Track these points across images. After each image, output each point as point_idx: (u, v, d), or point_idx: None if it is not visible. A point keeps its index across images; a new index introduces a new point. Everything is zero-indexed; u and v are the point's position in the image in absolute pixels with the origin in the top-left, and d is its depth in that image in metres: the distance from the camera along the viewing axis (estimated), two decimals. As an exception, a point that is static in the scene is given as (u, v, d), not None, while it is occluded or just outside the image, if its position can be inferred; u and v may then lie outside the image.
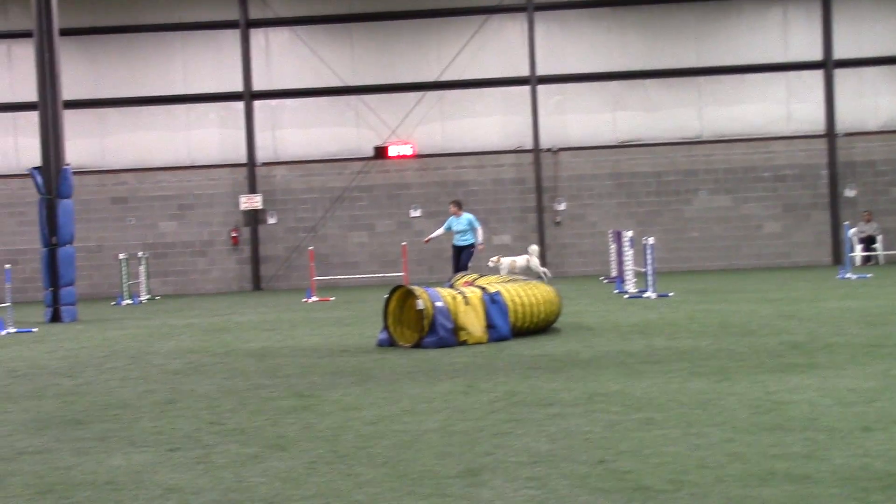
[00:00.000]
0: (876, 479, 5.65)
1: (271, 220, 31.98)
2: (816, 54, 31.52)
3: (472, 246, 22.87)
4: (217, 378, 11.03)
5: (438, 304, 13.18)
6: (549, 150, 31.61)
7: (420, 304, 13.18)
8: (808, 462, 6.07)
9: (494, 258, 26.04)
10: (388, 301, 13.66)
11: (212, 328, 17.69)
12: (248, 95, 31.92)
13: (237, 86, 31.92)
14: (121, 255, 27.79)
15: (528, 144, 31.57)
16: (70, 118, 25.82)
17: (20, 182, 30.93)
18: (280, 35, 32.12)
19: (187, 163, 32.04)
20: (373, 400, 9.08)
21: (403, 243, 28.25)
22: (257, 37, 32.10)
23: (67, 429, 8.29)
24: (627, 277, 22.05)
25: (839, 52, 31.42)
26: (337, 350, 13.29)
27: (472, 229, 22.88)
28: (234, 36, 31.96)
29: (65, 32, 25.54)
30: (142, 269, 28.41)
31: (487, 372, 10.60)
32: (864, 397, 8.12)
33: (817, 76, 31.56)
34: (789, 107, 31.52)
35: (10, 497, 6.07)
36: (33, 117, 22.92)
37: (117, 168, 32.06)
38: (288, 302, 24.53)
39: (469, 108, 31.80)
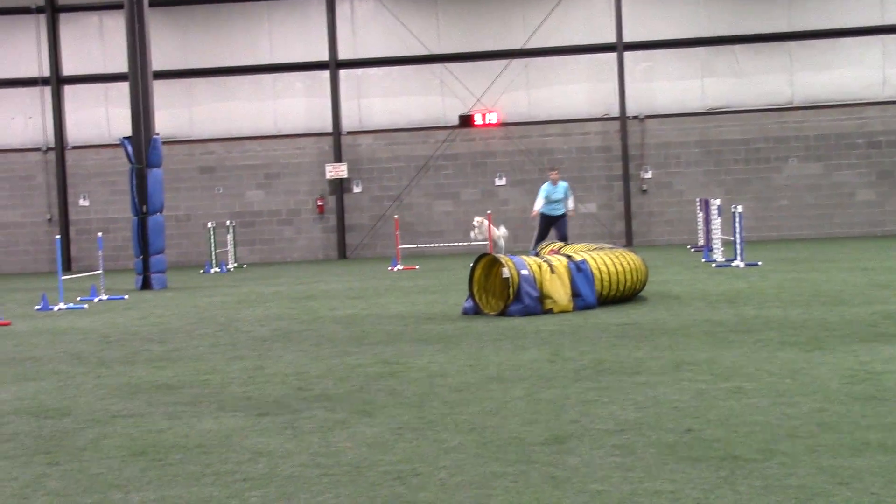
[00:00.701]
0: (974, 451, 5.51)
1: (356, 189, 32.13)
2: (914, 17, 30.66)
3: (564, 215, 22.53)
4: (304, 345, 11.15)
5: (524, 272, 13.16)
6: (635, 117, 31.25)
7: (505, 272, 13.17)
8: (903, 433, 5.94)
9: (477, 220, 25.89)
10: (473, 269, 13.67)
11: (298, 296, 17.87)
12: (334, 64, 32.03)
13: (323, 55, 32.04)
14: (209, 224, 28.21)
15: (615, 112, 31.23)
16: (159, 88, 26.20)
17: (111, 152, 31.53)
18: (365, 4, 32.13)
19: (274, 132, 32.31)
20: (458, 367, 9.11)
21: (489, 212, 28.21)
22: (343, 6, 32.15)
23: (159, 393, 8.46)
24: (715, 246, 21.79)
25: (937, 15, 30.51)
26: (423, 318, 13.35)
27: (566, 198, 22.53)
28: (319, 5, 32.06)
29: (154, 4, 25.93)
30: (229, 237, 28.77)
31: (573, 340, 10.56)
32: (961, 368, 7.93)
33: (915, 39, 30.72)
34: (885, 71, 30.69)
35: (105, 458, 6.21)
36: (124, 88, 23.36)
37: (205, 138, 32.45)
38: (373, 270, 24.67)
39: (555, 76, 31.53)
